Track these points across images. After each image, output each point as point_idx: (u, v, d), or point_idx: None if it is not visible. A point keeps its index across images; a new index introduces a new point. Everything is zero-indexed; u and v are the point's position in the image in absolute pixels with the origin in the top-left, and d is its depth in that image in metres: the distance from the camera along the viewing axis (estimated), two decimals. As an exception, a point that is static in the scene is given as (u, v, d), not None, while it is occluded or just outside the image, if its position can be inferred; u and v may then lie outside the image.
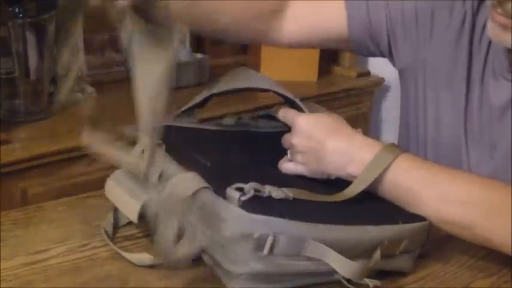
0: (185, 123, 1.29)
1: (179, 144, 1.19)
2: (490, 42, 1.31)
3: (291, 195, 1.03)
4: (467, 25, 1.34)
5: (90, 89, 2.12)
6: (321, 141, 1.15)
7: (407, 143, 1.46)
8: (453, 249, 1.20)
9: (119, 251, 1.10)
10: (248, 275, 0.99)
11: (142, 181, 1.10)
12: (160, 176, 1.11)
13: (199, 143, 1.22)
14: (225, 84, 1.26)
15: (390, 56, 1.45)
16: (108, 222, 1.14)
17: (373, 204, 1.13)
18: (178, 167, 1.09)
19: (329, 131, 1.16)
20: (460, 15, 1.35)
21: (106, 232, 1.14)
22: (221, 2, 1.32)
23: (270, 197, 1.01)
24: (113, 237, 1.15)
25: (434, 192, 1.12)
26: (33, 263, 1.08)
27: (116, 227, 1.13)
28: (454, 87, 1.36)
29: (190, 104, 1.30)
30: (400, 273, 1.12)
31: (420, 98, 1.42)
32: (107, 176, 1.19)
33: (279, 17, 1.42)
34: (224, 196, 1.00)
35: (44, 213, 1.22)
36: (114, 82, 2.29)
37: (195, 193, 1.02)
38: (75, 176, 1.84)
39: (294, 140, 1.17)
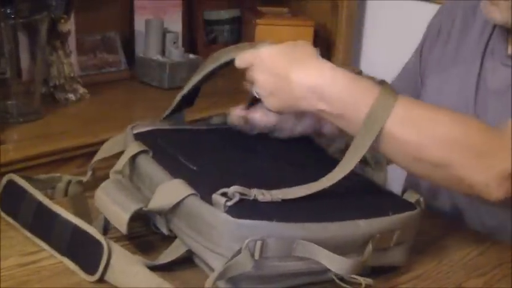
0: (171, 125, 1.29)
1: (165, 148, 1.19)
2: (493, 29, 1.36)
3: (280, 196, 1.02)
4: (464, 13, 1.43)
5: (82, 90, 2.12)
6: (286, 75, 1.09)
7: None
8: (446, 248, 1.20)
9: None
10: (240, 277, 0.99)
11: (131, 190, 1.11)
12: (148, 184, 1.12)
13: (185, 146, 1.22)
14: (193, 79, 1.26)
15: None
16: (99, 223, 1.14)
17: (362, 198, 1.13)
18: (165, 174, 1.10)
19: (294, 61, 1.10)
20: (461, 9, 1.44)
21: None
22: None
23: (256, 200, 1.01)
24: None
25: (413, 130, 1.08)
26: (27, 264, 1.08)
27: (107, 228, 1.13)
28: (440, 70, 1.43)
29: (167, 112, 1.30)
30: (394, 272, 1.13)
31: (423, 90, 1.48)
32: (99, 176, 1.19)
33: None
34: (211, 202, 1.00)
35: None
36: (106, 83, 2.29)
37: (182, 200, 1.03)
38: (68, 177, 1.84)
39: (258, 76, 1.11)
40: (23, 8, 1.85)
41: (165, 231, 1.09)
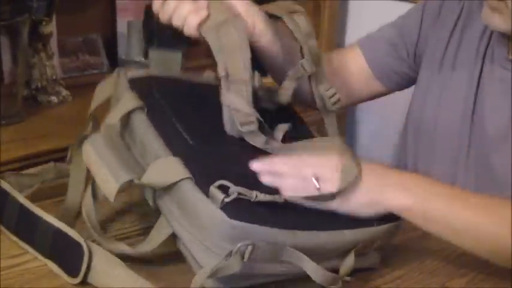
0: (167, 71, 1.23)
1: (162, 106, 1.14)
2: (492, 32, 1.34)
3: (282, 198, 1.02)
4: (464, 13, 1.40)
5: (64, 92, 2.12)
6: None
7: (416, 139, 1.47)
8: (429, 248, 1.21)
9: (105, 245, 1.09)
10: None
11: (121, 152, 1.08)
12: (140, 148, 1.09)
13: (182, 107, 1.16)
14: None
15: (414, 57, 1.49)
16: (88, 206, 1.11)
17: None
18: (159, 143, 1.07)
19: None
20: (461, 4, 1.41)
21: (89, 218, 1.11)
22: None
23: (254, 201, 0.99)
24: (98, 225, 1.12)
25: (491, 220, 1.08)
26: (11, 267, 1.08)
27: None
28: (442, 73, 1.40)
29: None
30: (377, 273, 1.13)
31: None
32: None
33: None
34: (206, 190, 0.99)
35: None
36: (89, 85, 2.27)
37: (176, 183, 1.01)
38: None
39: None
40: (4, 10, 1.85)
41: (151, 203, 1.06)
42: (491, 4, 1.21)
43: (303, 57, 1.22)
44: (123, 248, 1.07)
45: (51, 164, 1.29)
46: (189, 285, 0.97)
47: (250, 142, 1.11)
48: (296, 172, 1.07)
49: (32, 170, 1.27)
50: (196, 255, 1.01)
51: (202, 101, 1.20)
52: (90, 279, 1.03)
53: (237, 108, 1.09)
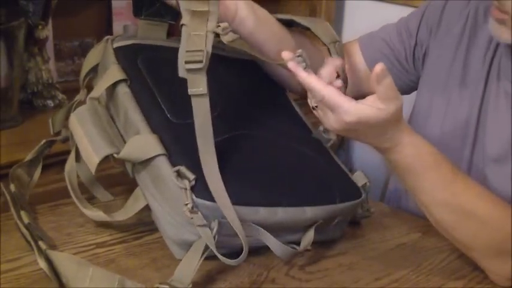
0: (153, 39, 1.24)
1: (145, 79, 1.15)
2: (497, 46, 1.31)
3: None
4: (467, 30, 1.37)
5: (60, 96, 2.11)
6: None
7: None
8: (425, 251, 1.21)
9: (81, 208, 1.18)
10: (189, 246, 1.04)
11: (105, 126, 1.13)
12: (123, 121, 1.12)
13: (162, 74, 1.17)
14: None
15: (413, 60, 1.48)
16: (70, 168, 1.23)
17: (315, 181, 1.15)
18: (140, 116, 1.10)
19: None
20: (463, 18, 1.38)
21: (71, 186, 1.22)
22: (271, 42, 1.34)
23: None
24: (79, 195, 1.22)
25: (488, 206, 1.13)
26: (6, 271, 1.07)
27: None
28: (447, 92, 1.37)
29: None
30: (373, 276, 1.13)
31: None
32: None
33: None
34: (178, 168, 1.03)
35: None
36: (85, 89, 2.28)
37: (152, 158, 1.06)
38: (46, 184, 1.83)
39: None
40: (-1, 14, 1.85)
41: (130, 173, 1.13)
42: (496, 16, 1.17)
43: None
44: (99, 214, 1.14)
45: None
46: (162, 279, 1.01)
47: (194, 86, 1.04)
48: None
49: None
50: (165, 227, 1.08)
51: None
52: (71, 285, 1.00)
53: (190, 47, 1.05)
